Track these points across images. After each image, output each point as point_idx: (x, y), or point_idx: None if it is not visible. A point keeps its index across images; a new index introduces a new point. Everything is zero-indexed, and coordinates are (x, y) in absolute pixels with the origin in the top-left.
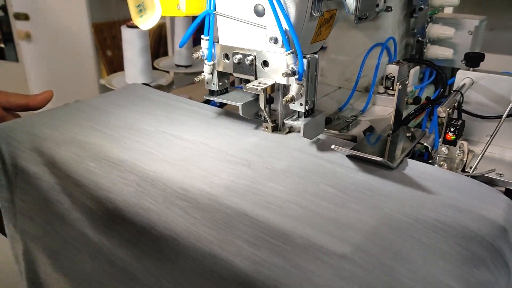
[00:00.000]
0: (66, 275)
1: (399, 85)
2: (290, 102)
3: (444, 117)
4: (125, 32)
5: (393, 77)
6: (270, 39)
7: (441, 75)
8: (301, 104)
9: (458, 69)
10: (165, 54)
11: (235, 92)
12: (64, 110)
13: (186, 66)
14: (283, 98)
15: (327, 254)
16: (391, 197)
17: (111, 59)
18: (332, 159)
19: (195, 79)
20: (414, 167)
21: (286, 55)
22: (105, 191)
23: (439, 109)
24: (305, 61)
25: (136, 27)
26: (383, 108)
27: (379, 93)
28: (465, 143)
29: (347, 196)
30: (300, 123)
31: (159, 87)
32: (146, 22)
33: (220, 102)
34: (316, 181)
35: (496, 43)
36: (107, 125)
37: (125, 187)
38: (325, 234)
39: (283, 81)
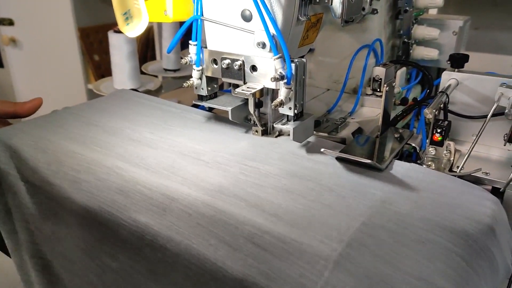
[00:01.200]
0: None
1: (386, 87)
2: (279, 106)
3: (430, 119)
4: (112, 37)
5: (380, 79)
6: (258, 44)
7: (427, 76)
8: (290, 108)
9: (444, 69)
10: (153, 58)
11: (224, 97)
12: (52, 117)
13: (174, 70)
14: (272, 102)
15: (316, 257)
16: (380, 199)
17: (98, 63)
18: (322, 161)
19: (184, 84)
20: (402, 168)
21: (274, 59)
22: (92, 201)
23: (426, 111)
24: (293, 65)
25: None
26: (371, 110)
27: (367, 94)
28: (451, 143)
29: (337, 198)
30: (289, 127)
31: (148, 92)
32: (133, 29)
33: (209, 107)
34: (306, 184)
35: (481, 42)
36: (95, 133)
37: (114, 197)
38: (315, 237)
39: (271, 85)
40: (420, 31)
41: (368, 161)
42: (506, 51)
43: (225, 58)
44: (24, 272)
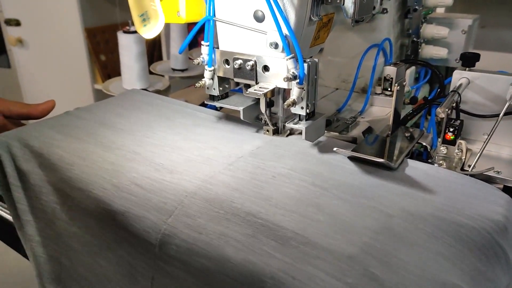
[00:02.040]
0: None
1: (397, 86)
2: (292, 106)
3: (443, 118)
4: (122, 37)
5: (391, 78)
6: (271, 44)
7: (437, 75)
8: (302, 108)
9: (453, 68)
10: (160, 58)
11: (236, 97)
12: (65, 118)
13: (182, 70)
14: (283, 102)
15: (327, 257)
16: (393, 198)
17: (105, 63)
18: (334, 161)
19: (196, 84)
20: (414, 167)
21: (287, 59)
22: (106, 199)
23: (438, 110)
24: (305, 65)
25: (132, 32)
26: (381, 109)
27: (376, 93)
28: (463, 142)
29: (349, 198)
30: (301, 126)
31: (157, 92)
32: (150, 31)
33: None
34: (319, 183)
35: (488, 40)
36: (108, 134)
37: (128, 196)
38: (326, 237)
39: (284, 85)
40: (429, 30)
41: (381, 160)
42: None
43: (237, 59)
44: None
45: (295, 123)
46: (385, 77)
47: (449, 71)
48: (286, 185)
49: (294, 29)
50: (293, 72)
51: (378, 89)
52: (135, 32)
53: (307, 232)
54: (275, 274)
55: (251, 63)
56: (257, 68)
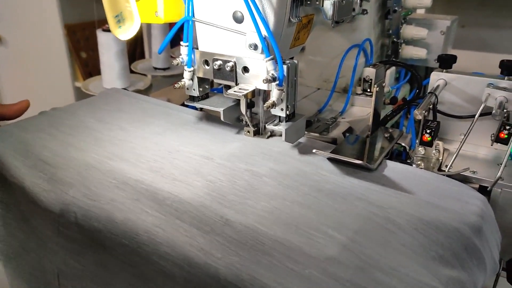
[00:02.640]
0: None
1: (377, 87)
2: (271, 108)
3: (420, 119)
4: (101, 36)
5: (371, 79)
6: (250, 45)
7: (416, 77)
8: (282, 109)
9: (432, 68)
10: (142, 55)
11: (216, 97)
12: (40, 119)
13: (164, 69)
14: (263, 103)
15: (307, 259)
16: (371, 199)
17: (85, 61)
18: (314, 162)
19: (175, 85)
20: (393, 168)
21: (266, 61)
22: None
23: (415, 112)
24: (285, 67)
25: None
26: (361, 109)
27: (357, 94)
28: (440, 142)
29: (328, 199)
30: (281, 128)
31: (138, 92)
32: (125, 32)
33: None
34: (298, 185)
35: (467, 40)
36: (87, 136)
37: (116, 198)
38: (306, 238)
39: (263, 87)
40: (409, 30)
41: (359, 161)
42: (492, 49)
43: (217, 59)
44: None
45: (275, 125)
46: (364, 78)
47: (429, 71)
48: (264, 186)
49: (273, 31)
50: (272, 74)
51: (359, 89)
52: None
53: (286, 234)
54: (149, 228)
55: (230, 64)
56: (237, 69)
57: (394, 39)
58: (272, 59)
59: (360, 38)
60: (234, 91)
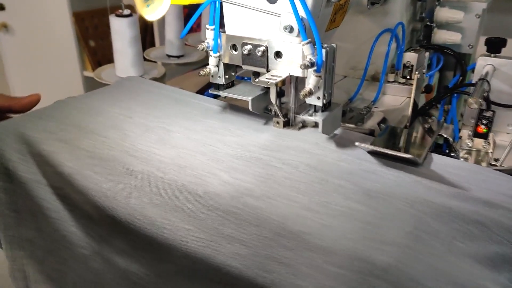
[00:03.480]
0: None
1: (418, 74)
2: (308, 96)
3: (476, 109)
4: (114, 22)
5: (412, 65)
6: (285, 27)
7: (460, 62)
8: (318, 98)
9: (465, 54)
10: (152, 43)
11: (242, 85)
12: (57, 109)
13: (178, 56)
14: (297, 92)
15: (350, 260)
16: (421, 196)
17: (94, 50)
18: (353, 155)
19: (200, 72)
20: (440, 162)
21: (303, 45)
22: (104, 196)
23: (470, 100)
24: (323, 51)
25: (125, 16)
26: (394, 98)
27: (388, 81)
28: (491, 134)
29: (371, 196)
30: (318, 119)
31: (154, 80)
32: (154, 12)
33: (214, 94)
34: (339, 181)
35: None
36: (105, 124)
37: (130, 191)
38: (351, 240)
39: (298, 73)
40: (443, 13)
41: (409, 156)
42: None
43: (246, 44)
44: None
45: (310, 115)
46: (404, 64)
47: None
48: (301, 181)
49: (312, 11)
50: (310, 59)
51: (391, 77)
52: (128, 15)
53: (330, 236)
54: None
55: (262, 48)
56: (269, 54)
57: (428, 23)
58: (309, 42)
59: (391, 22)
60: (267, 78)
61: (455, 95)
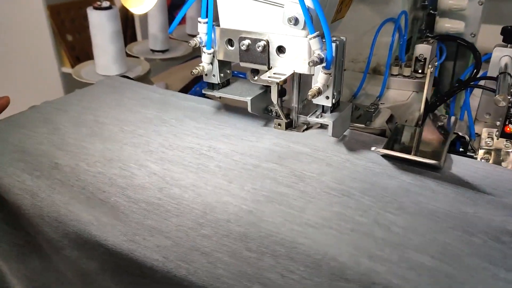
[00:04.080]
0: None
1: (431, 68)
2: (317, 96)
3: (504, 107)
4: (92, 15)
5: (425, 58)
6: (289, 19)
7: (475, 54)
8: (327, 97)
9: (467, 43)
10: (134, 38)
11: (239, 84)
12: (29, 117)
13: (163, 51)
14: (299, 91)
15: (269, 244)
16: (444, 205)
17: (72, 44)
18: (366, 160)
19: (193, 71)
20: (461, 164)
21: (310, 39)
22: (29, 194)
23: (498, 97)
24: (333, 45)
25: (105, 8)
26: (399, 92)
27: (392, 75)
28: None
29: (396, 209)
30: (327, 120)
31: (140, 79)
32: (141, 4)
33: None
34: (358, 192)
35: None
36: (86, 136)
37: (55, 186)
38: (271, 224)
39: (304, 70)
40: (446, 1)
41: (431, 161)
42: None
43: (244, 38)
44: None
45: (318, 116)
46: (416, 57)
47: (460, 47)
48: (315, 193)
49: (320, 0)
50: (318, 54)
51: (395, 70)
52: (108, 8)
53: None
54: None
55: (262, 43)
56: (270, 50)
57: (431, 11)
58: (318, 35)
59: (393, 11)
60: (269, 77)
61: (469, 89)
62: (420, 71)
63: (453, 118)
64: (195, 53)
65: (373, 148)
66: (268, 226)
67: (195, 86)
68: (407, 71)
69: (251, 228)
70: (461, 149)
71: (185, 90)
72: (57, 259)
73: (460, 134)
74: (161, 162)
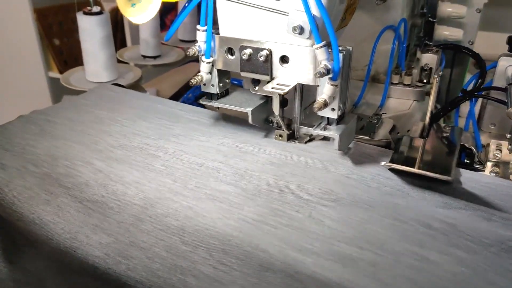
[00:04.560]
0: None
1: (437, 77)
2: (323, 108)
3: None
4: (82, 20)
5: (430, 68)
6: (294, 28)
7: (480, 63)
8: (332, 110)
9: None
10: (123, 42)
11: (238, 94)
12: (16, 127)
13: (154, 57)
14: (301, 101)
15: (204, 238)
16: (458, 223)
17: (59, 49)
18: (373, 175)
19: (191, 81)
20: (472, 179)
21: (316, 48)
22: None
23: (510, 111)
24: (340, 55)
25: (95, 14)
26: (399, 101)
27: (392, 83)
28: None
29: (411, 230)
30: (334, 134)
31: (132, 86)
32: (141, 13)
33: (195, 97)
34: (371, 212)
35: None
36: (79, 147)
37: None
38: (207, 218)
39: (308, 81)
40: (445, 8)
41: (448, 178)
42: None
43: (246, 47)
44: None
45: (323, 129)
46: (422, 67)
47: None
48: (325, 211)
49: (327, 8)
50: (325, 65)
51: (395, 79)
52: (98, 13)
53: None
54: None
55: (264, 52)
56: (273, 59)
57: (430, 19)
58: (324, 45)
59: (391, 18)
60: (272, 88)
61: (473, 98)
62: (425, 81)
63: (456, 129)
64: (187, 59)
65: (382, 163)
66: (205, 221)
67: (187, 92)
68: (407, 80)
69: (187, 222)
70: (466, 161)
71: (176, 96)
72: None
73: (467, 145)
74: (109, 160)
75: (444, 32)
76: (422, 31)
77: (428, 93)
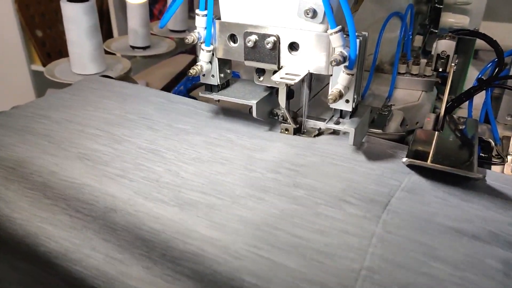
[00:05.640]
0: None
1: (454, 66)
2: (338, 100)
3: None
4: (67, 8)
5: (447, 55)
6: (306, 12)
7: (498, 51)
8: (347, 101)
9: (470, 39)
10: (109, 32)
11: (240, 85)
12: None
13: (143, 48)
14: (310, 92)
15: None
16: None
17: (42, 40)
18: (391, 170)
19: (190, 71)
20: (492, 175)
21: (331, 34)
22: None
23: None
24: (357, 41)
25: (80, 0)
26: (407, 92)
27: (399, 73)
28: None
29: (441, 237)
30: (348, 128)
31: (121, 78)
32: None
33: (187, 90)
34: (393, 213)
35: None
36: (64, 142)
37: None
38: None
39: (321, 70)
40: None
41: (479, 176)
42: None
43: (251, 34)
44: None
45: (336, 122)
46: (438, 55)
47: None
48: (342, 215)
49: None
50: (341, 52)
51: (402, 68)
52: (83, 0)
53: None
54: None
55: (272, 39)
56: (280, 47)
57: (436, 5)
58: (340, 30)
59: (396, 5)
60: (281, 78)
61: (489, 88)
62: (441, 69)
63: (471, 121)
64: (178, 50)
65: (404, 160)
66: (68, 175)
67: (178, 85)
68: (415, 69)
69: (52, 178)
70: (481, 154)
71: (166, 89)
72: None
73: (484, 138)
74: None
75: (450, 19)
76: (428, 18)
77: (437, 83)
